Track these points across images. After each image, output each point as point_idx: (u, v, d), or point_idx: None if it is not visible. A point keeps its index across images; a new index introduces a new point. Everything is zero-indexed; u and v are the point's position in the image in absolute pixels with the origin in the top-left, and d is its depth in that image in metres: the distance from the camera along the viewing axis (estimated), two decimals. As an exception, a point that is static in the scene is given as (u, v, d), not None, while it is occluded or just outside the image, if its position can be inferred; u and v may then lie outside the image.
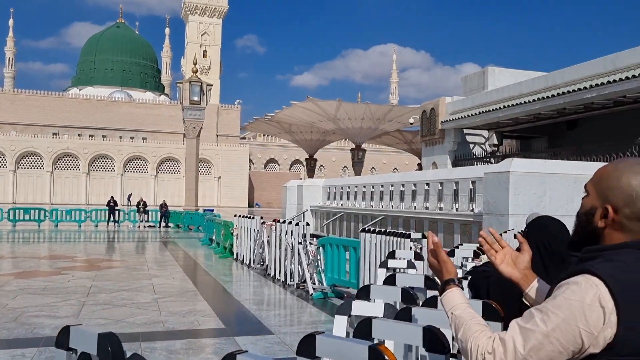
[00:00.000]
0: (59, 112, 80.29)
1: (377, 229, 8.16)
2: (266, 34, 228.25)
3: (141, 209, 30.02)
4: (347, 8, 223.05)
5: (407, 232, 7.09)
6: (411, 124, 30.63)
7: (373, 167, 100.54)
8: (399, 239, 7.10)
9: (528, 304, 1.86)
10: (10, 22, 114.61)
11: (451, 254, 4.85)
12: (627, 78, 14.07)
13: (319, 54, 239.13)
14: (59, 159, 70.79)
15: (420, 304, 2.49)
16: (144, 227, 29.27)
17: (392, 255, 4.52)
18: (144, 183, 73.10)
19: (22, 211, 29.64)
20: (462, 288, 1.67)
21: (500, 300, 2.27)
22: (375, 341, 1.79)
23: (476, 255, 4.55)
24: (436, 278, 1.85)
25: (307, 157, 61.56)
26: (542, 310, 1.37)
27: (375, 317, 1.88)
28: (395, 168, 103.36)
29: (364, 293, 2.49)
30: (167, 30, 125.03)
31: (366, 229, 8.05)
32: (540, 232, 2.36)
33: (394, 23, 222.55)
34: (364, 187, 15.83)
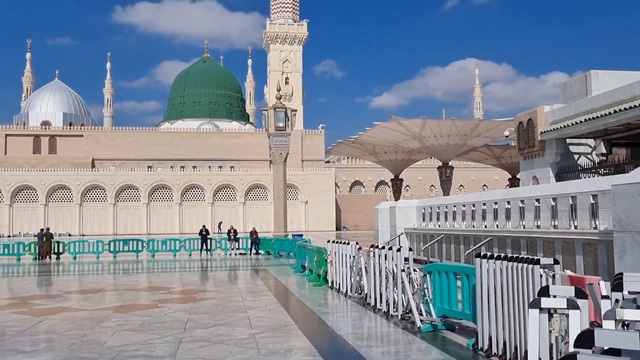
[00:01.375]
0: (152, 146, 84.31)
1: (493, 253, 7.24)
2: (344, 58, 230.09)
3: (232, 237, 30.26)
4: (423, 27, 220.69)
5: (535, 257, 6.13)
6: (506, 137, 29.03)
7: (461, 185, 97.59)
8: (524, 265, 6.16)
9: None
10: (108, 65, 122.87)
11: (617, 287, 3.89)
12: None
13: (397, 74, 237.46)
14: (154, 191, 74.01)
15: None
16: (235, 254, 29.43)
17: (544, 291, 3.67)
18: (233, 211, 74.79)
19: (122, 242, 30.73)
20: None
21: None
22: None
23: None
24: None
25: (393, 177, 60.54)
26: None
27: None
28: (485, 185, 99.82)
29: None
30: (249, 61, 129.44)
31: (482, 253, 7.14)
32: None
33: (472, 37, 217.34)
34: (463, 206, 14.77)
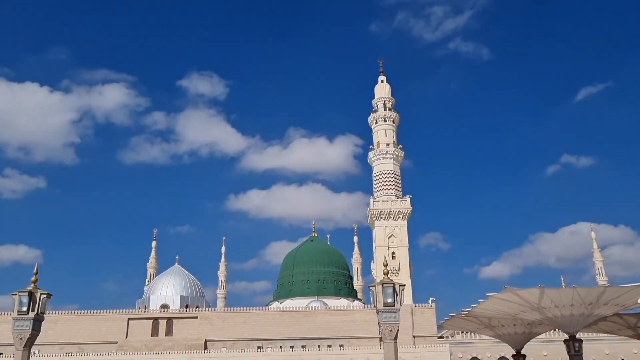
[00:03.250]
0: (262, 325, 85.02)
1: None
2: (448, 229, 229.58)
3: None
4: (525, 194, 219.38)
5: None
6: None
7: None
8: None
9: None
10: (222, 249, 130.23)
11: None
12: None
13: (504, 242, 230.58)
14: (263, 373, 72.95)
15: None
16: None
17: None
18: (344, 393, 71.15)
19: None
20: None
21: None
22: None
23: None
24: None
25: (514, 352, 55.81)
26: None
27: None
28: (622, 359, 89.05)
29: None
30: (355, 239, 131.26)
31: None
32: None
33: (580, 201, 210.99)
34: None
